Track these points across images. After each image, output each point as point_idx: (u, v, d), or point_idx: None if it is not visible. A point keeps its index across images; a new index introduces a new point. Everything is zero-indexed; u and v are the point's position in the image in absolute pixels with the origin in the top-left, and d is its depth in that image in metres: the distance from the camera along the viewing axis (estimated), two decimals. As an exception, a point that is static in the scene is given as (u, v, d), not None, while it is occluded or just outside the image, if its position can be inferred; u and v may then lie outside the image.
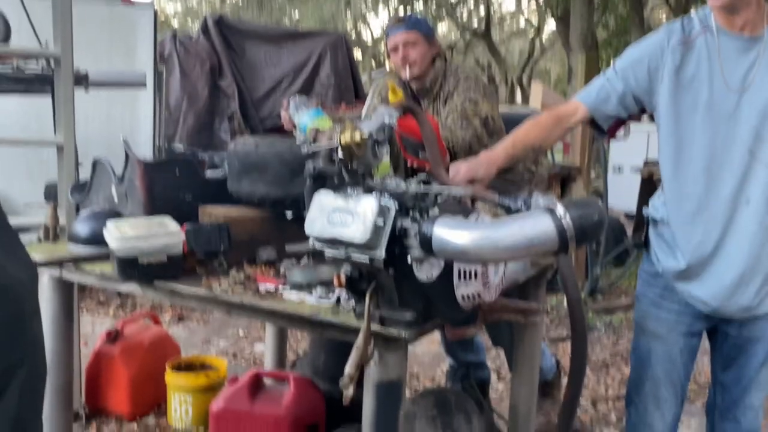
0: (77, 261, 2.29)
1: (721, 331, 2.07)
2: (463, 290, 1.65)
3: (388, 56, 2.96)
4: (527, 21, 22.91)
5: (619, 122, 2.10)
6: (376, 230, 1.51)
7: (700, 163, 1.90)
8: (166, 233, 2.11)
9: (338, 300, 1.87)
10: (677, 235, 1.98)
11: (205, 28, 6.22)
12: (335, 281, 1.68)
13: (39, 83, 3.54)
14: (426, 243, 1.48)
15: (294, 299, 1.93)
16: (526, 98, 20.99)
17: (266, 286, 2.03)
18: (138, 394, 3.27)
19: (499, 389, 3.87)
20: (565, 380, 2.41)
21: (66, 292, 2.44)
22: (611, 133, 2.14)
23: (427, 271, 1.60)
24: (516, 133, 2.11)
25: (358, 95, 6.48)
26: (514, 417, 2.48)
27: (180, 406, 3.14)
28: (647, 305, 2.12)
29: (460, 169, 2.02)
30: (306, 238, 1.67)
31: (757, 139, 1.85)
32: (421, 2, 18.07)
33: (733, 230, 1.89)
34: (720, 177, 1.89)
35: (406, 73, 2.83)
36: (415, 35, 2.84)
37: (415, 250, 1.53)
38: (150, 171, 2.45)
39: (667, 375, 2.10)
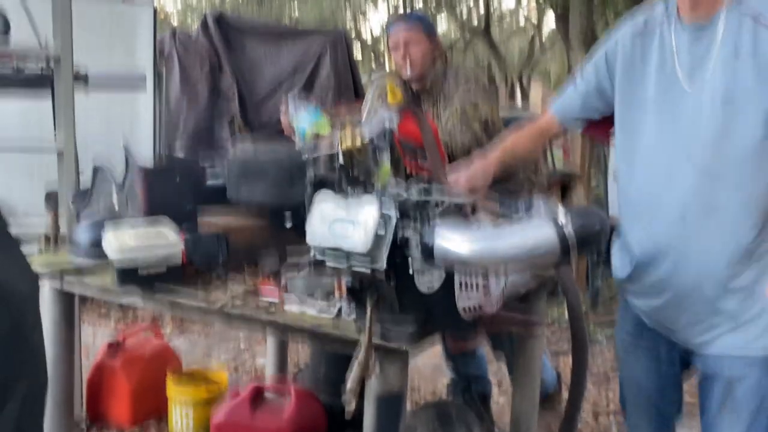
0: (78, 272, 2.29)
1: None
2: (464, 302, 1.64)
3: (389, 54, 2.91)
4: (527, 18, 22.77)
5: (594, 123, 1.95)
6: (378, 239, 1.51)
7: (646, 168, 1.67)
8: (165, 244, 2.11)
9: (339, 312, 1.87)
10: (627, 245, 1.75)
11: (204, 26, 6.18)
12: (336, 292, 1.67)
13: (38, 83, 3.50)
14: (427, 252, 1.48)
15: (295, 311, 1.93)
16: (526, 98, 20.90)
17: (267, 297, 2.02)
18: (139, 406, 3.26)
19: (500, 402, 3.85)
20: (566, 393, 2.39)
21: (67, 302, 2.44)
22: (592, 133, 2.01)
23: (428, 283, 1.60)
24: (504, 143, 2.06)
25: (358, 95, 6.42)
26: (515, 430, 2.48)
27: (181, 419, 3.13)
28: (619, 317, 1.93)
29: (459, 179, 2.00)
30: (306, 246, 1.67)
31: (694, 140, 1.58)
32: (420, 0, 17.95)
33: (676, 244, 1.62)
34: (665, 183, 1.63)
35: (407, 71, 2.76)
36: (418, 33, 2.76)
37: (416, 260, 1.53)
38: (150, 177, 2.43)
39: (635, 398, 1.87)
